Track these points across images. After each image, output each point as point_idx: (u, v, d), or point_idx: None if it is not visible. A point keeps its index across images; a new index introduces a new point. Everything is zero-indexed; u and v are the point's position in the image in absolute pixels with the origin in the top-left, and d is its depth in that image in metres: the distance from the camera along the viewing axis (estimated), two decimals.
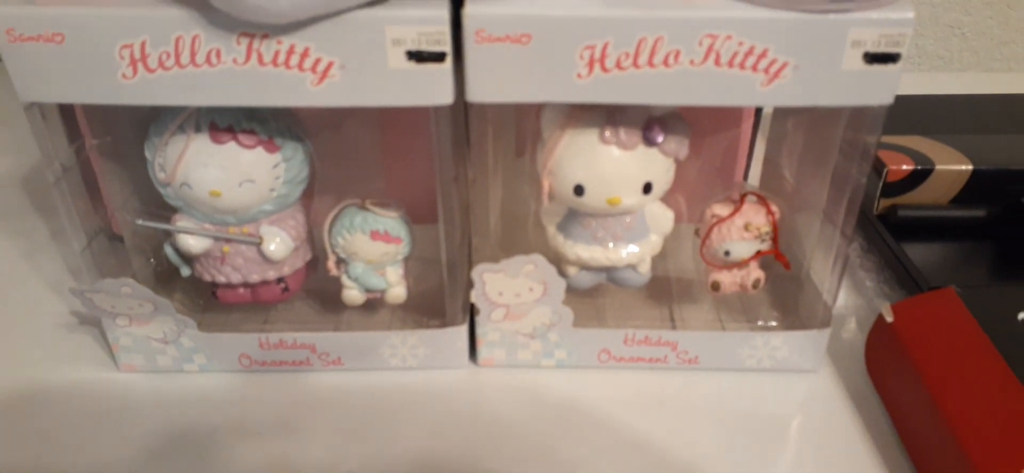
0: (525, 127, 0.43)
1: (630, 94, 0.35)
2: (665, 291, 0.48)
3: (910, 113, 0.57)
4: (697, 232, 0.44)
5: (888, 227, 0.50)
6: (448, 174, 0.39)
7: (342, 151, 0.44)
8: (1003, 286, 0.45)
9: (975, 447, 0.35)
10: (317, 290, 0.47)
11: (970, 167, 0.50)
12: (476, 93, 0.36)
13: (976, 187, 0.51)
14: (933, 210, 0.51)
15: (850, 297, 0.50)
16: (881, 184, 0.51)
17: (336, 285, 0.45)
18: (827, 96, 0.36)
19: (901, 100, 0.59)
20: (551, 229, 0.43)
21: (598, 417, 0.43)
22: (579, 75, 0.35)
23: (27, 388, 0.44)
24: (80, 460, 0.40)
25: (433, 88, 0.35)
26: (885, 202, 0.51)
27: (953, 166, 0.50)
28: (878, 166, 0.51)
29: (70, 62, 0.35)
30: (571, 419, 0.43)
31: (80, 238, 0.41)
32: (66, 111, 0.40)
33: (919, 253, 0.49)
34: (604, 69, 0.35)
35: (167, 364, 0.44)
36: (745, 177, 0.52)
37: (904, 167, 0.50)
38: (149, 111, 0.40)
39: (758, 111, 0.50)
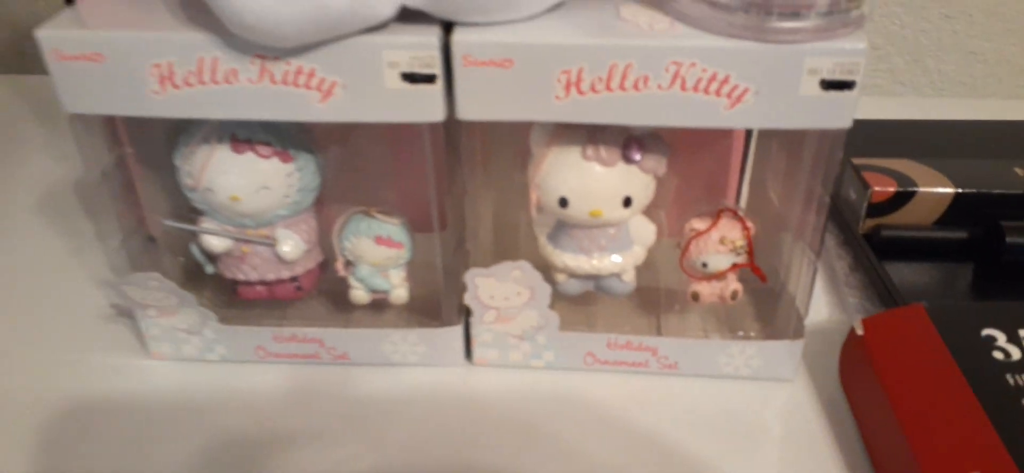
0: (519, 145, 0.47)
1: (604, 115, 0.39)
2: (653, 301, 0.51)
3: (901, 137, 0.59)
4: (678, 245, 0.47)
5: (872, 246, 0.52)
6: (442, 186, 0.43)
7: (351, 163, 0.48)
8: (971, 303, 0.47)
9: (926, 457, 0.37)
10: (329, 290, 0.51)
11: (953, 190, 0.52)
12: (465, 111, 0.40)
13: (959, 210, 0.52)
14: (915, 231, 0.53)
15: (834, 313, 0.52)
16: (866, 205, 0.53)
17: (346, 286, 0.49)
18: (787, 119, 0.38)
19: (894, 124, 0.61)
20: (541, 238, 0.47)
21: (582, 416, 0.46)
22: (557, 97, 0.38)
23: (69, 370, 0.49)
24: (112, 435, 0.45)
25: (425, 106, 0.39)
26: (870, 222, 0.54)
27: (936, 189, 0.52)
28: (863, 187, 0.53)
29: (109, 79, 0.39)
30: (557, 417, 0.46)
31: (116, 236, 0.46)
32: (106, 122, 0.45)
33: (902, 272, 0.51)
34: (580, 92, 0.38)
35: (192, 353, 0.49)
36: (737, 197, 0.54)
37: (888, 189, 0.52)
38: (178, 123, 0.45)
39: (748, 136, 0.52)
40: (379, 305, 0.50)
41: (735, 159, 0.53)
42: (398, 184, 0.49)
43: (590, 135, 0.42)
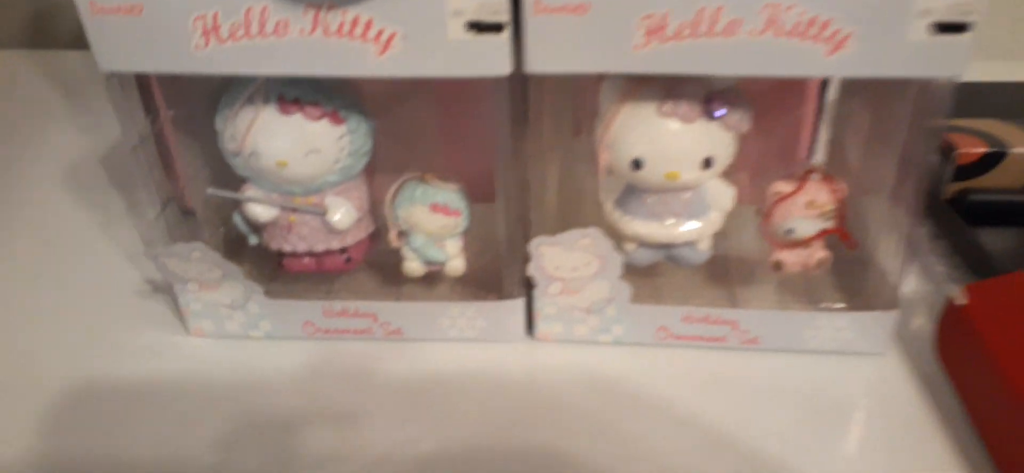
0: (582, 106, 0.43)
1: (688, 64, 0.35)
2: (725, 272, 0.47)
3: (986, 99, 0.55)
4: (759, 211, 0.44)
5: (959, 212, 0.49)
6: (506, 148, 0.40)
7: (403, 129, 0.45)
8: None
9: None
10: (380, 262, 0.48)
11: None
12: (534, 64, 0.36)
13: None
14: (1008, 194, 0.49)
15: (918, 283, 0.49)
16: (951, 168, 0.49)
17: (398, 258, 0.45)
18: (892, 67, 0.35)
19: (977, 86, 0.57)
20: (608, 205, 0.43)
21: (655, 394, 0.43)
22: (636, 45, 0.35)
23: (104, 349, 0.46)
24: (151, 418, 0.42)
25: (491, 59, 0.36)
26: (955, 186, 0.50)
27: None
28: (948, 149, 0.49)
29: (147, 33, 0.36)
30: (627, 395, 0.43)
31: (154, 205, 0.43)
32: (142, 83, 0.42)
33: (991, 238, 0.47)
34: (662, 39, 0.35)
35: (235, 330, 0.46)
36: (808, 158, 0.51)
37: (976, 150, 0.49)
38: (220, 83, 0.41)
39: (822, 93, 0.49)
40: (432, 278, 0.47)
41: (808, 118, 0.49)
42: (452, 154, 0.46)
43: (667, 90, 0.39)
